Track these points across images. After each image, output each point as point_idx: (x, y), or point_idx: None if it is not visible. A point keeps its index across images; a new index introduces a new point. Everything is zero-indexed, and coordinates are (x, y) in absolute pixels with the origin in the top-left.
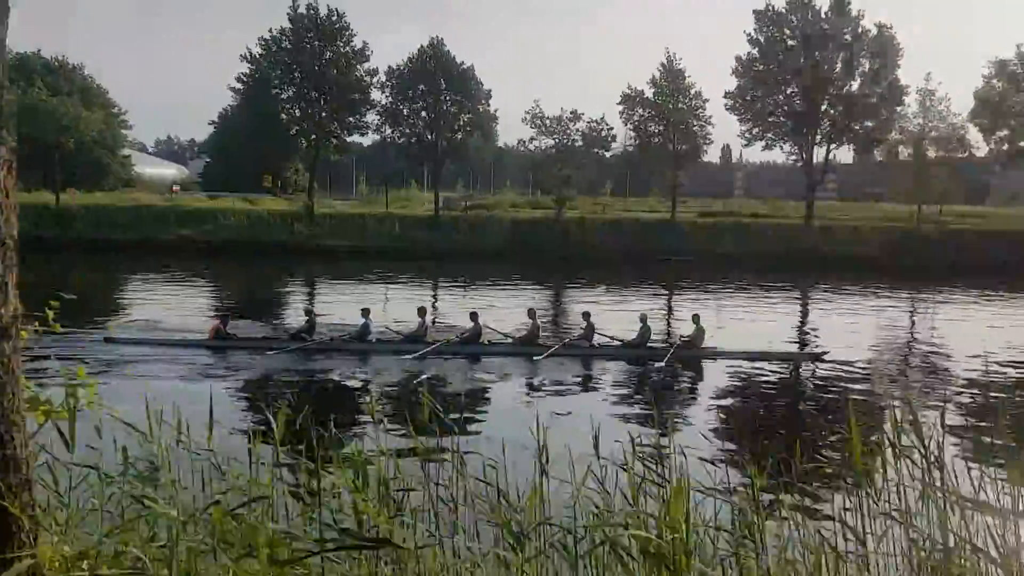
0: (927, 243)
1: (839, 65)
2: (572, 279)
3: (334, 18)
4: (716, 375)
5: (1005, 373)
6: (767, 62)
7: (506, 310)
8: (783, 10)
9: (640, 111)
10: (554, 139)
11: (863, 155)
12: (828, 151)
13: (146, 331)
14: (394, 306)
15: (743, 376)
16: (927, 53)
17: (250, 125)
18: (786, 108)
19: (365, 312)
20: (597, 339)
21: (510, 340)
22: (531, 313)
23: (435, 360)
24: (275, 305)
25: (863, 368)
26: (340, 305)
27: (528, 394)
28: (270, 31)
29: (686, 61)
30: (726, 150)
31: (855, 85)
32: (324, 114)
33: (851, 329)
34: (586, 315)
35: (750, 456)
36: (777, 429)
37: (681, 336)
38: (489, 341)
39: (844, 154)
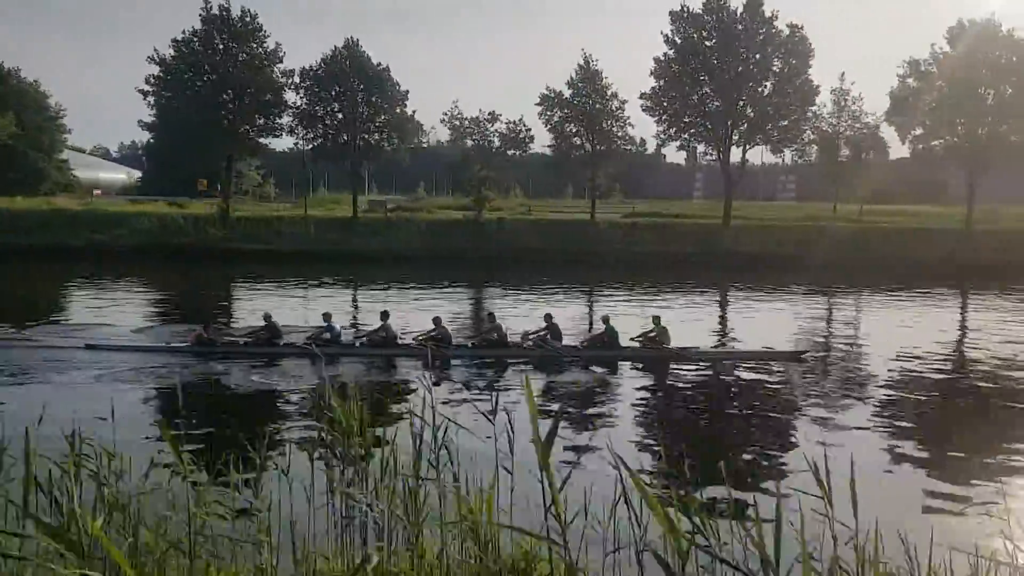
0: (837, 241)
1: (752, 66)
2: (488, 280)
3: (247, 19)
4: (685, 375)
5: (914, 373)
6: (683, 63)
7: (415, 312)
8: (698, 11)
9: (559, 112)
10: (472, 140)
11: (777, 154)
12: (744, 152)
13: (128, 338)
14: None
15: (708, 377)
16: (850, 53)
17: (184, 129)
18: (701, 109)
19: (327, 316)
20: (564, 340)
21: (471, 344)
22: (490, 317)
23: (407, 362)
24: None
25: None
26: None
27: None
28: (183, 32)
29: (615, 64)
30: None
31: (768, 86)
32: (235, 116)
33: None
34: (548, 317)
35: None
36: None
37: (648, 335)
38: (449, 344)
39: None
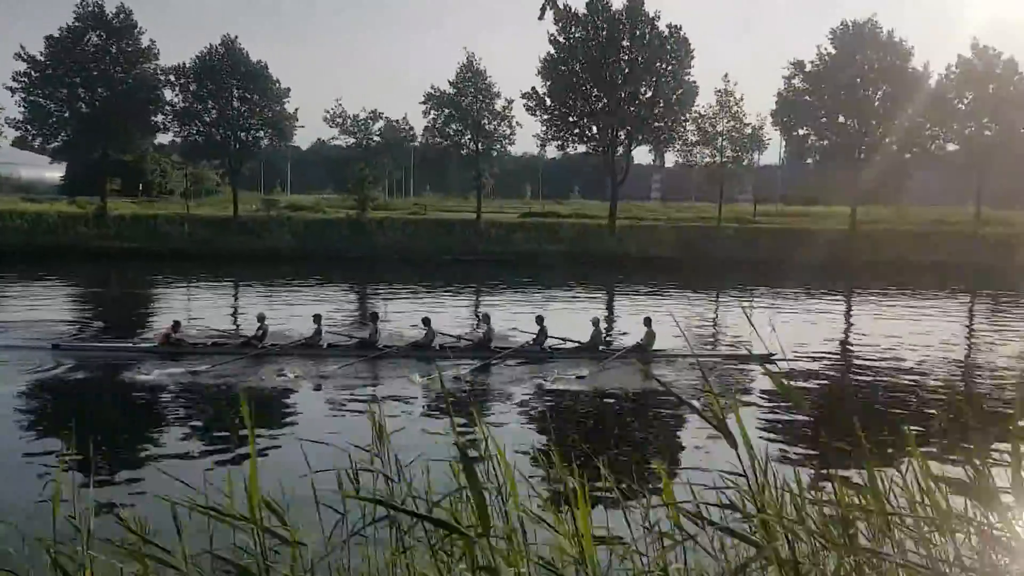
0: (719, 242)
1: (635, 66)
2: (367, 280)
3: (121, 16)
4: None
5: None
6: (567, 63)
7: (283, 309)
8: (583, 12)
9: (444, 111)
10: (355, 138)
11: (658, 154)
12: (629, 151)
13: (94, 338)
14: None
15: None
16: (740, 55)
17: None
18: (586, 109)
19: (317, 318)
20: (549, 342)
21: (462, 345)
22: (485, 318)
23: (387, 364)
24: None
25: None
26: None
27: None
28: (59, 29)
29: (511, 64)
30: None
31: (650, 86)
32: (109, 114)
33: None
34: (539, 319)
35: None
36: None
37: (639, 341)
38: (441, 346)
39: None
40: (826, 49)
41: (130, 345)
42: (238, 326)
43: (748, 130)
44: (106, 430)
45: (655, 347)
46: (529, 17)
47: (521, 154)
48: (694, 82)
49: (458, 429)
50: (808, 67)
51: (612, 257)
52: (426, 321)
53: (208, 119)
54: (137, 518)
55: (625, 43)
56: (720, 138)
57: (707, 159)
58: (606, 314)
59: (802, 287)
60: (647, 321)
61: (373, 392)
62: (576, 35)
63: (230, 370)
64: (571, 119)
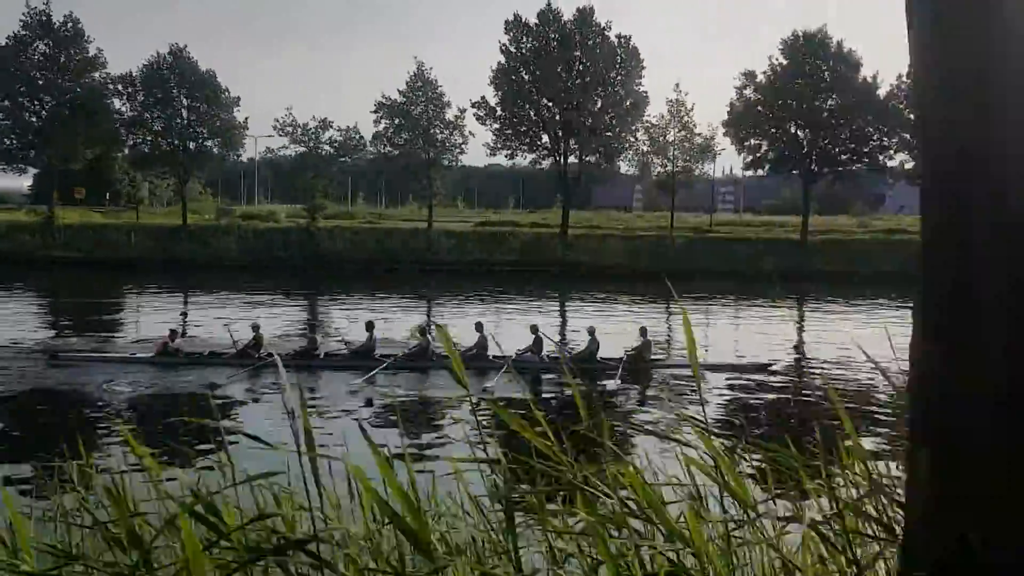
0: (667, 252)
1: (586, 76)
2: (316, 288)
3: (69, 24)
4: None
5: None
6: (518, 73)
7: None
8: (534, 22)
9: (395, 120)
10: (305, 148)
11: (609, 164)
12: (581, 161)
13: (91, 348)
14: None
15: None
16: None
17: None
18: (536, 118)
19: (312, 328)
20: (545, 352)
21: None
22: (479, 327)
23: (386, 375)
24: None
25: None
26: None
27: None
28: (7, 38)
29: (464, 74)
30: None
31: (600, 96)
32: (56, 123)
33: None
34: (534, 328)
35: None
36: None
37: (626, 349)
38: (435, 356)
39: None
40: (777, 59)
41: (127, 355)
42: (234, 340)
43: (699, 140)
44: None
45: (652, 357)
46: (480, 28)
47: (511, 164)
48: (644, 92)
49: None
50: (760, 77)
51: (562, 266)
52: (422, 331)
53: (156, 128)
54: None
55: (575, 53)
56: (672, 148)
57: (659, 168)
58: (558, 322)
59: (733, 296)
60: (642, 331)
61: (363, 402)
62: (527, 45)
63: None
64: (521, 128)
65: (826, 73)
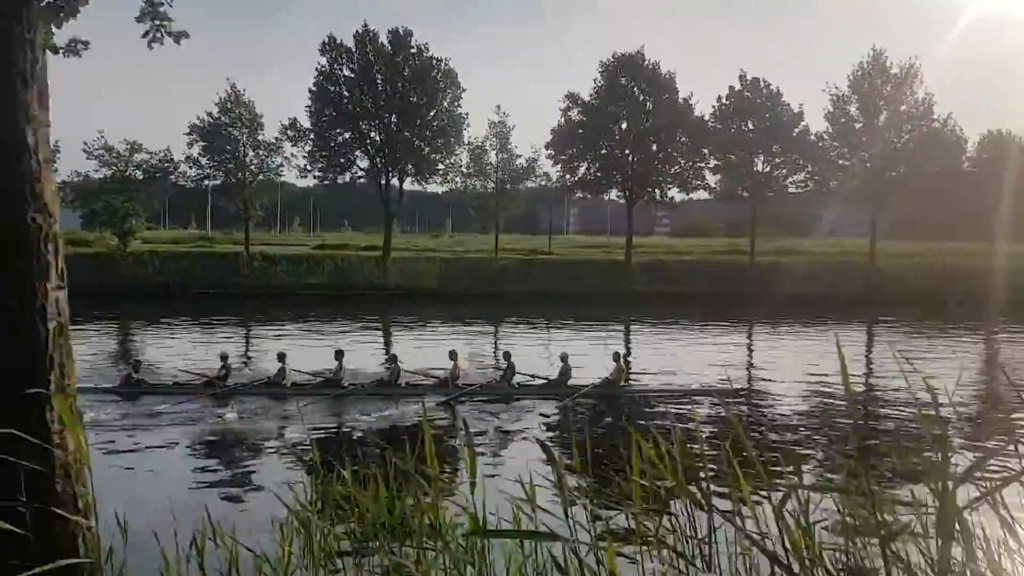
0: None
1: (401, 97)
2: (111, 315)
3: None
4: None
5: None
6: (334, 95)
7: None
8: (351, 44)
9: (204, 142)
10: (113, 170)
11: (424, 184)
12: (401, 181)
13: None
14: None
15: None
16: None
17: None
18: (350, 139)
19: (281, 356)
20: (517, 379)
21: (429, 382)
22: (452, 355)
23: (350, 402)
24: None
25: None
26: None
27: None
28: None
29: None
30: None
31: (417, 117)
32: None
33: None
34: (507, 355)
35: None
36: None
37: (605, 377)
38: (407, 383)
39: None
40: (599, 81)
41: (91, 386)
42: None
43: (520, 161)
44: None
45: (622, 383)
46: (298, 56)
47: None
48: (463, 113)
49: None
50: (585, 99)
51: (376, 290)
52: (392, 359)
53: None
54: None
55: (390, 75)
56: (494, 169)
57: (479, 189)
58: (355, 347)
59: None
60: (616, 356)
61: (336, 430)
62: (343, 68)
63: (191, 409)
64: (335, 148)
65: (640, 95)
